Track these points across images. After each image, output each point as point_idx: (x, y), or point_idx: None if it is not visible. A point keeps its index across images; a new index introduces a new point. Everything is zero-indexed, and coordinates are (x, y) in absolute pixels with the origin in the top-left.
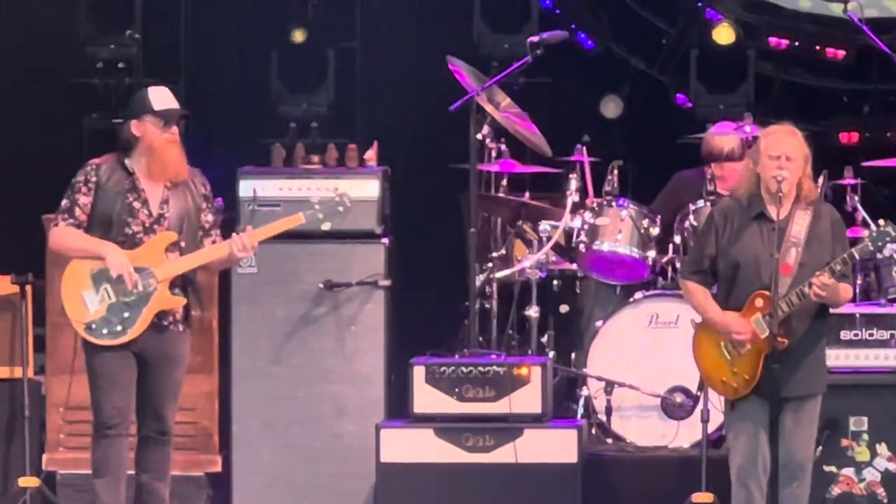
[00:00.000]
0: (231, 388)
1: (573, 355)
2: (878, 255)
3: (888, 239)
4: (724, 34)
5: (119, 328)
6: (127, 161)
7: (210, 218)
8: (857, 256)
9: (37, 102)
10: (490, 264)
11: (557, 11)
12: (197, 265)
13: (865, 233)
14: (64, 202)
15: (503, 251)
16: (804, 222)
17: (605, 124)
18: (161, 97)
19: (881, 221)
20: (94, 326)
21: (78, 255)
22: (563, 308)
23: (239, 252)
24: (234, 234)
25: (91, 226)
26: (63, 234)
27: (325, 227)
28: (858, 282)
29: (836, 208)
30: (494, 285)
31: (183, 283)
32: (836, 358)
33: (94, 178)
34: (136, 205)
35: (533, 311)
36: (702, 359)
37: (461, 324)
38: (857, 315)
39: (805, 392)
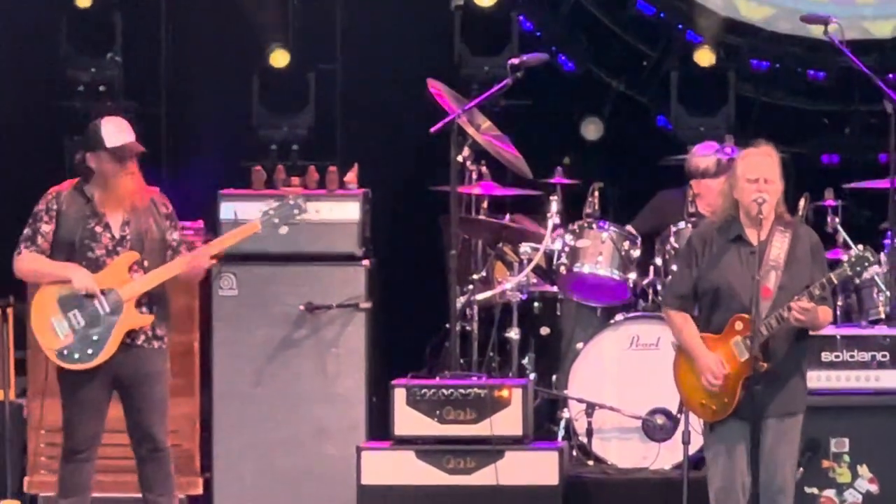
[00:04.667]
0: (212, 410)
1: (554, 377)
2: (857, 280)
3: (866, 264)
4: (704, 56)
5: (90, 351)
6: (86, 187)
7: (176, 236)
8: (836, 281)
9: (17, 125)
10: (471, 286)
11: (538, 34)
12: (157, 282)
13: (845, 257)
14: (26, 231)
15: (484, 273)
16: (783, 245)
17: (585, 147)
18: (114, 132)
19: (860, 246)
20: (65, 352)
21: (44, 280)
22: (544, 330)
23: (197, 265)
24: (185, 250)
25: (54, 253)
26: (27, 261)
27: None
28: (839, 303)
29: (816, 230)
30: (475, 307)
31: (149, 301)
32: (818, 379)
33: (55, 206)
34: (98, 229)
35: (514, 333)
36: (681, 382)
37: (442, 346)
38: (838, 337)
39: (784, 411)
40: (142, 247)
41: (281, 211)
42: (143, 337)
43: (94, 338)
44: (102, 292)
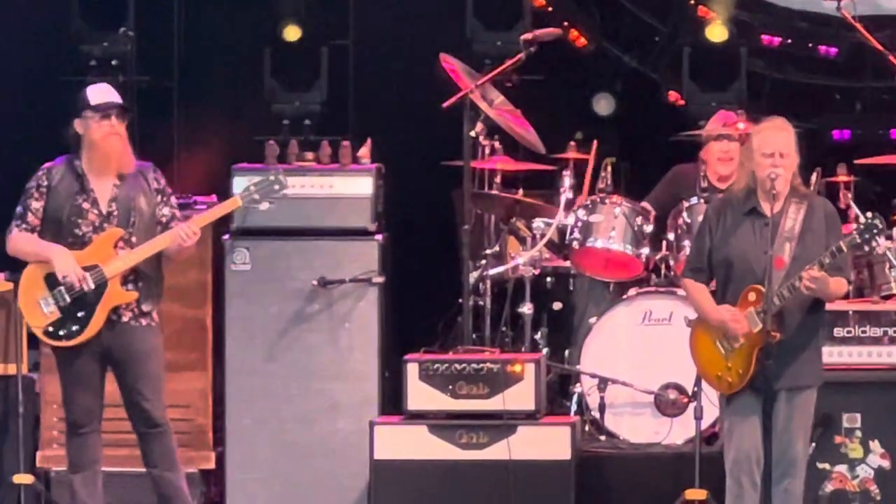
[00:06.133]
0: (225, 385)
1: (567, 352)
2: (866, 248)
3: (875, 231)
4: (716, 32)
5: (75, 328)
6: (77, 163)
7: (166, 211)
8: (845, 248)
9: (30, 100)
10: (484, 261)
11: (550, 9)
12: (141, 258)
13: (854, 225)
14: (18, 208)
15: (497, 248)
16: (797, 216)
17: (598, 122)
18: (98, 92)
19: (869, 213)
20: (51, 329)
21: (31, 259)
22: (557, 305)
23: (183, 241)
24: (177, 224)
25: (44, 229)
26: (16, 240)
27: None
28: (852, 279)
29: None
30: (488, 282)
31: (136, 278)
32: (830, 355)
33: (45, 183)
34: (86, 205)
35: (526, 308)
36: (698, 354)
37: (455, 321)
38: (851, 312)
39: (797, 384)
40: (129, 223)
41: (261, 186)
42: (129, 314)
43: (80, 314)
44: (87, 269)
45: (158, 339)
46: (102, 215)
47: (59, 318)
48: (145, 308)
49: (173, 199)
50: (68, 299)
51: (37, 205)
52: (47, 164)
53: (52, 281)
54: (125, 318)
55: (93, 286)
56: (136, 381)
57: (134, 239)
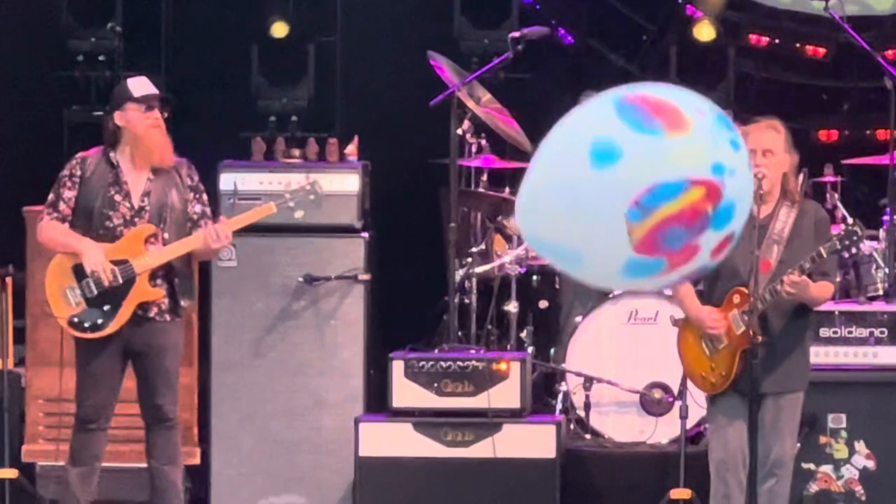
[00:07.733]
0: (210, 381)
1: (552, 351)
2: (846, 254)
3: (855, 238)
4: (704, 31)
5: (100, 321)
6: (112, 154)
7: (198, 208)
8: (825, 254)
9: (17, 95)
10: (470, 259)
11: (538, 7)
12: (172, 256)
13: (835, 231)
14: (50, 196)
15: (483, 246)
16: (787, 220)
17: None
18: (140, 84)
19: (850, 221)
20: (76, 321)
21: (59, 250)
22: (543, 303)
23: (213, 242)
24: (207, 224)
25: (75, 219)
26: (47, 229)
27: (298, 215)
28: (838, 279)
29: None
30: (474, 280)
31: (166, 275)
32: (816, 355)
33: (78, 172)
34: (118, 198)
35: (512, 307)
36: (684, 353)
37: (440, 318)
38: (837, 312)
39: (781, 389)
40: (160, 219)
41: (297, 195)
42: (155, 310)
43: (106, 308)
44: (116, 263)
45: (180, 336)
46: (134, 209)
47: (85, 310)
48: (184, 304)
49: (205, 197)
50: (95, 291)
51: (69, 194)
52: (81, 154)
53: (79, 272)
54: (151, 314)
55: (121, 281)
56: (151, 374)
57: (166, 235)
